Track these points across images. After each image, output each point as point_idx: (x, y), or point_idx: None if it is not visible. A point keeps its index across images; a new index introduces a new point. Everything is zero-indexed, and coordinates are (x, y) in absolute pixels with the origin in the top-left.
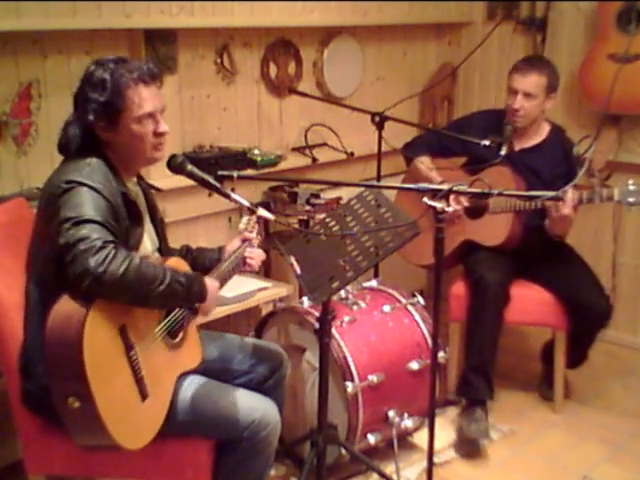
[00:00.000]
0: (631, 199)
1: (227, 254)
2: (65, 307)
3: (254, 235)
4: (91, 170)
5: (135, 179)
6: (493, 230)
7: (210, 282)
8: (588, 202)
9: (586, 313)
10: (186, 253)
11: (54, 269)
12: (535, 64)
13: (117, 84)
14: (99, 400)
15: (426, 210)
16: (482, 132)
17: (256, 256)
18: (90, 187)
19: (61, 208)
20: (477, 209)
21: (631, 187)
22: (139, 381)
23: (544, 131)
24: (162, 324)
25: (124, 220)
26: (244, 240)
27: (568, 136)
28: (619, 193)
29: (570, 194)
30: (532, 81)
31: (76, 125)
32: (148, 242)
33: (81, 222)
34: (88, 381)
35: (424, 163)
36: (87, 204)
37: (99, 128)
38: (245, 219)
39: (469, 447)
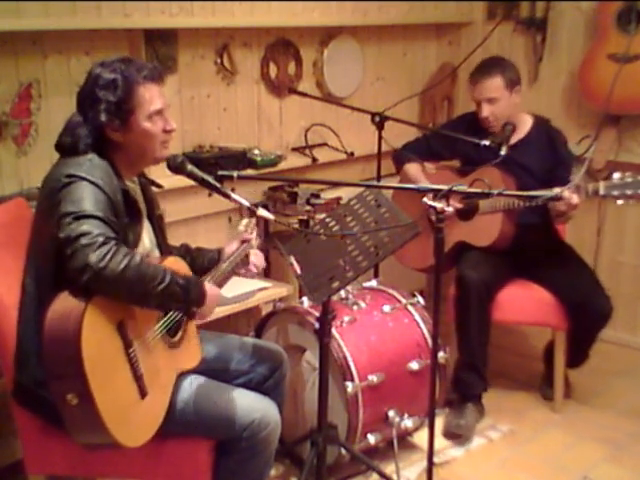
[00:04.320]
0: (615, 192)
1: (226, 255)
2: (63, 304)
3: (253, 236)
4: (92, 165)
5: (135, 178)
6: (484, 230)
7: (210, 287)
8: None
9: (586, 313)
10: (185, 252)
11: (52, 265)
12: (485, 70)
13: (128, 83)
14: (98, 397)
15: (426, 210)
16: (469, 134)
17: (259, 262)
18: (90, 182)
19: (61, 202)
20: (468, 210)
21: (616, 181)
22: (138, 379)
23: (527, 124)
24: (161, 322)
25: (123, 217)
26: (243, 241)
27: (553, 125)
28: (604, 187)
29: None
30: (487, 86)
31: (85, 127)
32: (147, 239)
33: (82, 217)
34: (87, 378)
35: (414, 168)
36: (87, 198)
37: (110, 129)
38: (245, 221)
39: (454, 440)
